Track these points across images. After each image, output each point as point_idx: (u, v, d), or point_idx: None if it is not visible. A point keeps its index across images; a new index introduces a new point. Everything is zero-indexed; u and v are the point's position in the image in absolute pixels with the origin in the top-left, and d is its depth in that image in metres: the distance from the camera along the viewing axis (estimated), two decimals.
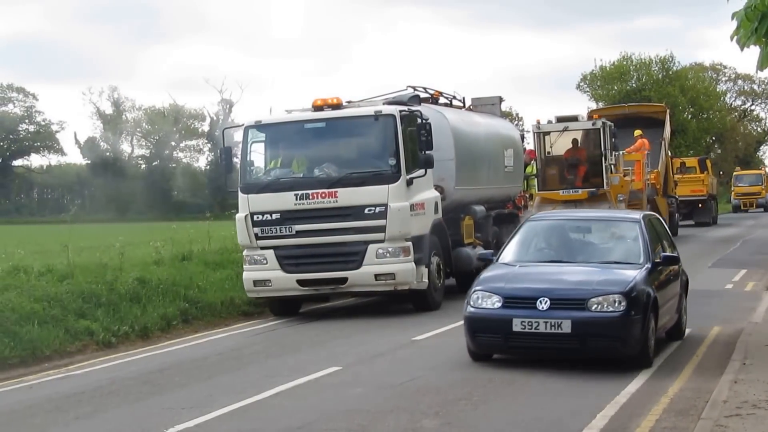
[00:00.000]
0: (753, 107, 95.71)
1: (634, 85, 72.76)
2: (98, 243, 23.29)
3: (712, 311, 17.06)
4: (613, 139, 29.90)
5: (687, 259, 27.29)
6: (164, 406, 10.71)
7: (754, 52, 9.25)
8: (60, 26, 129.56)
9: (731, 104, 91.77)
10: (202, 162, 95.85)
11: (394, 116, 17.29)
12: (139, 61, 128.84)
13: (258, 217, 17.39)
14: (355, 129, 17.84)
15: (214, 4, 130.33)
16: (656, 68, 73.84)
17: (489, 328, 11.75)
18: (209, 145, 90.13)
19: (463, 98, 23.87)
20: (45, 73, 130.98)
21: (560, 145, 30.23)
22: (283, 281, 17.32)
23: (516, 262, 12.76)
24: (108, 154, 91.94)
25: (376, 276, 16.99)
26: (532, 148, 30.45)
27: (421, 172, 17.62)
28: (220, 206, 58.83)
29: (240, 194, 17.70)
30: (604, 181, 29.22)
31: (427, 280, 17.42)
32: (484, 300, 11.78)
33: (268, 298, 17.98)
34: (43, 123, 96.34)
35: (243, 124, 18.41)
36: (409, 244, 17.16)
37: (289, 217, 17.22)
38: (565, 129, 29.99)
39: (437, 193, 18.71)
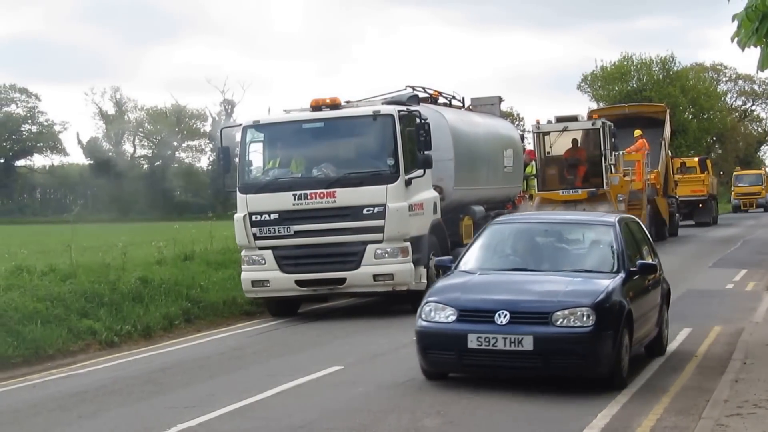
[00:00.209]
0: (753, 107, 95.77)
1: (634, 85, 72.78)
2: (101, 243, 23.39)
3: (712, 311, 17.08)
4: (613, 139, 29.89)
5: (687, 259, 27.76)
6: (167, 405, 10.72)
7: (754, 52, 9.24)
8: (62, 27, 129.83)
9: (732, 104, 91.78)
10: (204, 162, 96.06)
11: (392, 116, 17.25)
12: (141, 61, 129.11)
13: (256, 218, 17.35)
14: (354, 129, 17.79)
15: (216, 4, 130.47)
16: (657, 68, 73.84)
17: (442, 344, 10.56)
18: (211, 145, 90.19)
19: (463, 98, 23.89)
20: (48, 73, 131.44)
21: (560, 145, 30.22)
22: (282, 281, 17.29)
23: (476, 269, 11.47)
24: (110, 154, 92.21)
25: (375, 276, 16.95)
26: (531, 148, 30.41)
27: (420, 172, 17.59)
28: (222, 206, 58.79)
29: (238, 194, 17.67)
30: (604, 181, 29.21)
31: (425, 281, 17.36)
32: (436, 312, 10.59)
33: (267, 298, 17.95)
34: (45, 123, 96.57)
35: (241, 124, 18.38)
36: (408, 244, 17.12)
37: (287, 217, 17.18)
38: (565, 129, 29.99)
39: (436, 194, 18.67)
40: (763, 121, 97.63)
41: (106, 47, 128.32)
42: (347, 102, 18.69)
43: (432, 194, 18.43)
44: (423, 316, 10.74)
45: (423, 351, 10.80)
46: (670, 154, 39.51)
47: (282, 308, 18.14)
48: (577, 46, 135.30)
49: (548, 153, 30.35)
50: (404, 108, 17.80)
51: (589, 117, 31.38)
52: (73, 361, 14.36)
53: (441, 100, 22.25)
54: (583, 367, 10.35)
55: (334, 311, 19.11)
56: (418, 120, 17.67)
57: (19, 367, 13.69)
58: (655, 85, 71.82)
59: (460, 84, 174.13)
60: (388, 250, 16.98)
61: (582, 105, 77.35)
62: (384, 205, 16.96)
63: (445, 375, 11.12)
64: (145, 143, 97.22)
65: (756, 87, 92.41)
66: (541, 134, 30.31)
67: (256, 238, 17.38)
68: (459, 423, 9.37)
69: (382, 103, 18.32)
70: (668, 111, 39.21)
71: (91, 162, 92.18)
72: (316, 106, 17.90)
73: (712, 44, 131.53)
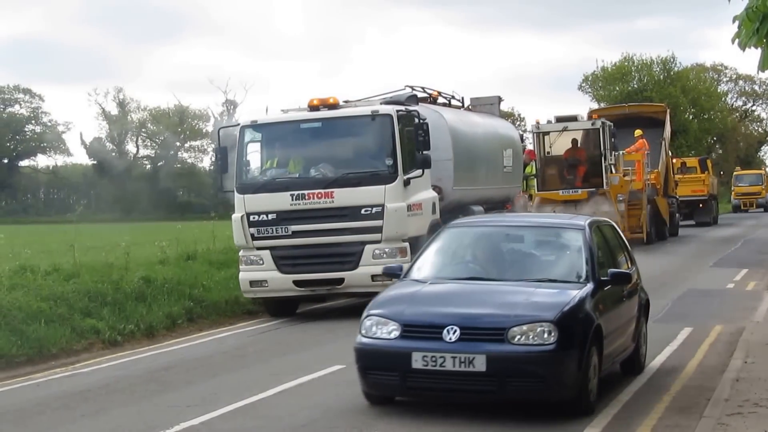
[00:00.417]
0: (754, 108, 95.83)
1: (635, 85, 72.86)
2: (104, 243, 23.41)
3: (713, 310, 17.05)
4: (613, 139, 29.89)
5: (688, 258, 27.72)
6: (169, 404, 10.71)
7: (755, 53, 9.18)
8: (66, 27, 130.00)
9: (732, 105, 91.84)
10: (206, 162, 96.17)
11: (391, 116, 17.17)
12: (144, 62, 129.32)
13: (254, 218, 17.27)
14: (352, 129, 17.70)
15: (218, 5, 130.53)
16: (657, 69, 73.93)
17: (383, 364, 9.34)
18: (213, 145, 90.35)
19: (462, 98, 23.81)
20: (51, 74, 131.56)
21: (560, 145, 30.23)
22: (280, 282, 17.22)
23: (428, 278, 10.22)
24: (113, 154, 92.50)
25: (373, 277, 16.82)
26: (531, 148, 30.38)
27: (419, 172, 17.49)
28: (224, 206, 58.77)
29: (236, 194, 17.59)
30: (604, 181, 29.21)
31: None
32: (378, 328, 9.38)
33: (265, 298, 17.89)
34: (49, 124, 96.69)
35: (239, 124, 18.31)
36: (406, 244, 17.03)
37: (285, 217, 17.10)
38: (565, 129, 30.00)
39: (435, 194, 18.59)
40: (764, 122, 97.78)
41: (110, 48, 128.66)
42: (345, 102, 18.62)
43: (431, 194, 18.36)
44: (363, 331, 9.53)
45: (363, 371, 9.56)
46: (670, 154, 39.47)
47: (280, 309, 18.07)
48: (577, 46, 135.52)
49: (548, 153, 30.35)
50: (403, 108, 17.72)
51: (589, 117, 31.37)
52: (76, 360, 14.35)
53: (440, 100, 22.19)
54: (543, 391, 9.05)
55: (334, 311, 19.06)
56: (416, 120, 17.59)
57: (23, 366, 13.69)
58: (656, 85, 71.89)
59: (461, 84, 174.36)
60: (387, 250, 16.90)
61: (583, 105, 77.52)
62: (382, 206, 16.88)
63: (390, 399, 9.83)
64: (148, 143, 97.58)
65: (756, 87, 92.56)
66: (540, 134, 30.32)
67: (253, 238, 17.31)
68: (463, 421, 9.30)
69: (381, 103, 18.25)
70: (668, 111, 39.16)
71: (95, 162, 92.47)
72: (314, 106, 17.81)
73: (712, 45, 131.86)
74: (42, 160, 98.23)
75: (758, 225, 46.28)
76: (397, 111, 17.36)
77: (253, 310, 18.67)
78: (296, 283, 17.16)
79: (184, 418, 9.84)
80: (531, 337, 8.96)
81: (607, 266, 10.52)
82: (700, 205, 45.70)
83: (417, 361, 9.04)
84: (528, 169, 28.80)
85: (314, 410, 10.00)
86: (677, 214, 39.02)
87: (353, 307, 19.13)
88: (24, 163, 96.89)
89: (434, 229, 18.05)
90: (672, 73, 74.21)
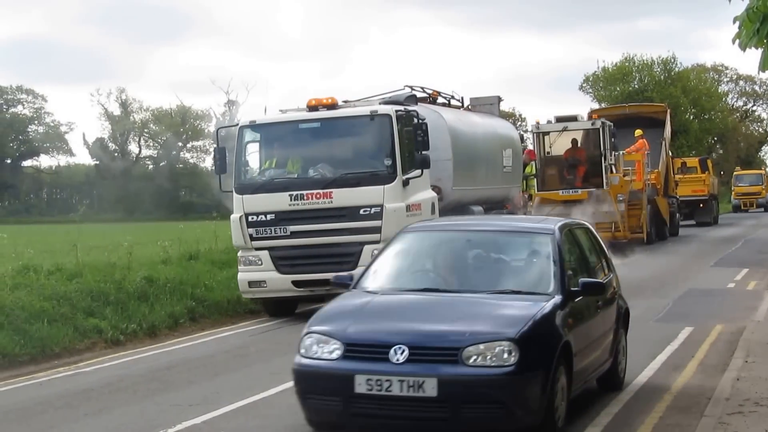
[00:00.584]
0: (754, 108, 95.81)
1: (636, 86, 72.88)
2: (106, 242, 23.49)
3: (714, 310, 17.02)
4: (613, 139, 29.86)
5: (689, 258, 27.67)
6: (172, 403, 10.69)
7: (755, 53, 9.15)
8: (68, 28, 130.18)
9: (733, 105, 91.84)
10: (208, 162, 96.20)
11: (389, 116, 17.11)
12: (146, 62, 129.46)
13: (252, 218, 17.23)
14: (351, 129, 17.64)
15: (220, 6, 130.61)
16: (658, 69, 73.99)
17: (324, 387, 8.26)
18: (215, 145, 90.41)
19: (462, 98, 23.77)
20: (54, 74, 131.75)
21: (560, 145, 30.20)
22: (278, 282, 17.17)
23: (380, 288, 9.22)
24: (116, 154, 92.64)
25: None
26: (531, 148, 30.34)
27: (418, 172, 17.43)
28: (226, 206, 58.85)
29: (234, 195, 17.55)
30: (604, 181, 29.17)
31: None
32: (319, 347, 8.32)
33: (264, 299, 17.84)
34: (52, 124, 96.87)
35: (237, 124, 18.26)
36: None
37: (283, 217, 17.05)
38: (565, 129, 29.97)
39: (434, 194, 18.54)
40: (764, 122, 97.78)
41: (112, 48, 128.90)
42: (345, 102, 18.56)
43: (430, 194, 18.30)
44: (302, 350, 8.45)
45: (302, 396, 8.52)
46: (670, 153, 39.44)
47: (279, 309, 18.02)
48: (578, 47, 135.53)
49: (548, 153, 30.31)
50: (402, 108, 17.66)
51: (589, 117, 31.32)
52: (79, 359, 14.35)
53: (440, 100, 22.16)
54: (503, 418, 7.96)
55: None
56: (415, 120, 17.54)
57: (26, 365, 13.70)
58: (657, 85, 71.93)
59: (462, 85, 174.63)
60: None
61: (584, 106, 77.63)
62: (381, 206, 16.81)
63: (337, 426, 8.54)
64: (150, 144, 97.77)
65: (757, 88, 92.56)
66: (540, 134, 30.29)
67: (252, 238, 17.26)
68: None
69: (380, 103, 18.20)
70: (668, 111, 39.12)
71: (97, 162, 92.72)
72: (313, 106, 17.76)
73: (713, 45, 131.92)
74: (45, 161, 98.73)
75: (759, 225, 46.26)
76: (396, 111, 17.30)
77: (255, 309, 18.67)
78: (295, 283, 17.11)
79: (186, 417, 9.85)
80: (489, 357, 7.89)
81: (581, 274, 9.60)
82: (701, 205, 45.70)
83: (360, 385, 7.98)
84: (528, 169, 28.73)
85: None
86: (678, 214, 39.00)
87: None
88: (27, 163, 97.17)
89: None
90: (673, 73, 74.27)
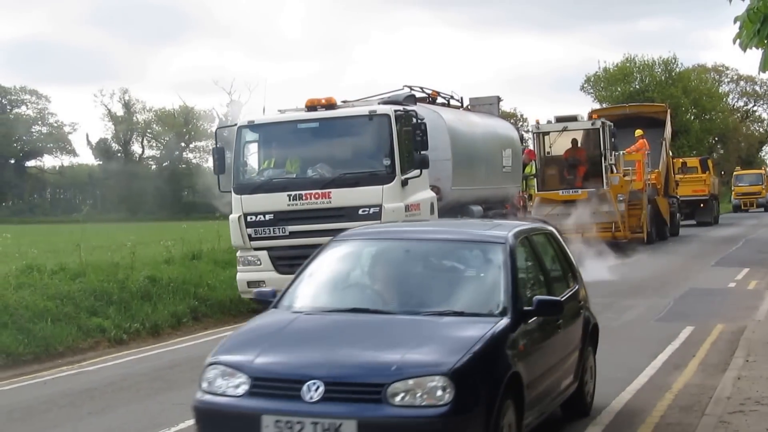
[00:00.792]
0: (755, 108, 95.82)
1: (637, 86, 72.99)
2: (110, 242, 23.55)
3: (715, 309, 17.00)
4: (613, 139, 29.82)
5: (689, 258, 27.63)
6: (174, 402, 10.66)
7: (756, 54, 9.10)
8: (72, 29, 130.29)
9: (734, 105, 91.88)
10: (210, 163, 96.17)
11: (388, 116, 17.04)
12: (149, 63, 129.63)
13: (251, 218, 17.17)
14: (349, 129, 17.55)
15: (223, 7, 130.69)
16: (659, 70, 74.19)
17: (227, 428, 7.05)
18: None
19: (461, 98, 23.70)
20: (57, 75, 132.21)
21: (560, 145, 30.15)
22: (277, 282, 16.99)
23: (304, 308, 7.93)
24: (119, 155, 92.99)
25: None
26: (531, 148, 30.29)
27: (417, 172, 17.34)
28: (229, 206, 58.85)
29: (233, 195, 17.48)
30: (604, 181, 29.13)
31: None
32: (224, 380, 7.06)
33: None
34: (55, 124, 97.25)
35: (236, 124, 18.20)
36: None
37: (282, 217, 16.99)
38: (565, 129, 29.93)
39: (433, 194, 18.45)
40: (765, 122, 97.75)
41: (115, 49, 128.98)
42: (343, 102, 18.49)
43: (429, 194, 18.22)
44: (204, 384, 7.17)
45: None
46: (670, 153, 39.41)
47: None
48: (578, 47, 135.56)
49: (548, 153, 30.26)
50: (400, 108, 17.58)
51: (589, 117, 31.27)
52: (82, 358, 14.37)
53: (439, 100, 22.09)
54: None
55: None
56: (414, 120, 17.46)
57: (30, 364, 13.73)
58: (658, 86, 72.08)
59: (463, 86, 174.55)
60: None
61: (585, 106, 77.79)
62: (380, 206, 16.73)
63: None
64: (153, 144, 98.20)
65: (757, 88, 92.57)
66: (540, 134, 30.24)
67: (251, 238, 17.21)
68: None
69: (379, 103, 18.13)
70: (669, 111, 39.09)
71: (101, 162, 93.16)
72: (312, 106, 17.69)
73: (713, 46, 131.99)
74: (48, 161, 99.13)
75: (759, 225, 46.27)
76: (395, 111, 17.22)
77: (257, 308, 18.43)
78: None
79: (189, 416, 9.64)
80: (418, 395, 6.63)
81: (538, 289, 8.44)
82: (701, 205, 45.72)
83: (268, 427, 6.74)
84: (528, 169, 28.67)
85: None
86: (678, 214, 38.98)
87: None
88: (31, 163, 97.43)
89: None
90: (673, 73, 74.47)
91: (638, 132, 33.68)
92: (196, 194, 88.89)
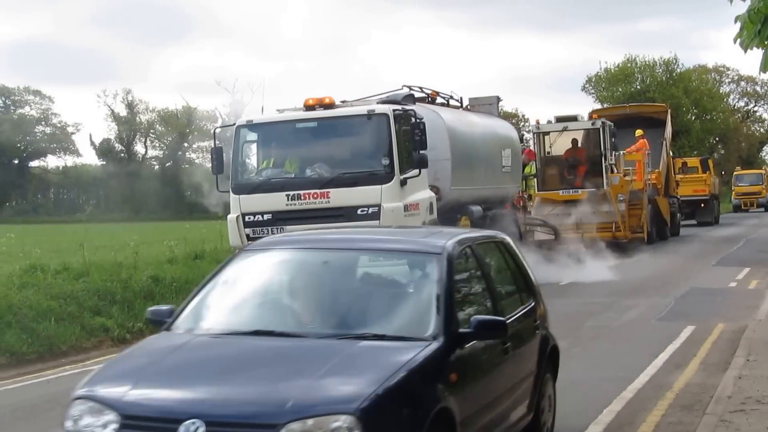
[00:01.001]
0: (756, 108, 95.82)
1: (638, 86, 73.03)
2: (113, 242, 23.58)
3: (715, 309, 16.97)
4: (613, 139, 29.76)
5: (690, 258, 27.57)
6: None
7: (757, 54, 9.06)
8: (75, 30, 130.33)
9: (734, 105, 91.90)
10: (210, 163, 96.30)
11: (387, 115, 16.98)
12: (152, 63, 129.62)
13: (249, 218, 17.13)
14: (348, 128, 17.49)
15: (225, 7, 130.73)
16: (660, 70, 74.24)
17: None
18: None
19: (461, 98, 23.64)
20: (61, 75, 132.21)
21: (560, 145, 30.09)
22: None
23: (199, 329, 6.81)
24: (122, 155, 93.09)
25: None
26: (531, 148, 30.24)
27: (415, 172, 17.27)
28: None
29: (231, 195, 17.45)
30: (604, 181, 29.07)
31: None
32: (92, 417, 5.90)
33: None
34: (59, 125, 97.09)
35: (234, 124, 18.15)
36: None
37: (280, 217, 16.92)
38: (565, 129, 29.87)
39: (432, 194, 18.39)
40: (766, 122, 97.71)
41: (118, 50, 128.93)
42: (342, 101, 18.43)
43: (428, 194, 18.16)
44: (69, 423, 6.03)
45: None
46: (671, 153, 39.36)
47: None
48: (580, 48, 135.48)
49: (548, 153, 30.20)
50: (399, 107, 17.53)
51: (590, 117, 31.22)
52: (86, 357, 14.39)
53: (438, 99, 22.03)
54: None
55: None
56: (413, 119, 17.40)
57: (34, 363, 13.76)
58: (659, 86, 72.14)
59: (464, 86, 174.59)
60: None
61: (586, 107, 77.82)
62: (379, 206, 16.66)
63: None
64: (156, 144, 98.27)
65: (758, 88, 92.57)
66: (541, 134, 30.18)
67: (249, 238, 17.09)
68: None
69: (377, 103, 18.08)
70: (669, 111, 39.05)
71: (104, 163, 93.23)
72: (310, 106, 17.64)
73: (714, 46, 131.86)
74: (52, 161, 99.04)
75: (760, 224, 46.26)
76: (394, 110, 17.17)
77: None
78: None
79: None
80: None
81: (480, 307, 7.22)
82: (702, 205, 45.71)
83: None
84: (528, 169, 28.62)
85: None
86: (678, 214, 38.95)
87: None
88: (34, 163, 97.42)
89: None
90: (674, 74, 74.54)
91: (638, 132, 33.64)
92: (198, 194, 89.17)
